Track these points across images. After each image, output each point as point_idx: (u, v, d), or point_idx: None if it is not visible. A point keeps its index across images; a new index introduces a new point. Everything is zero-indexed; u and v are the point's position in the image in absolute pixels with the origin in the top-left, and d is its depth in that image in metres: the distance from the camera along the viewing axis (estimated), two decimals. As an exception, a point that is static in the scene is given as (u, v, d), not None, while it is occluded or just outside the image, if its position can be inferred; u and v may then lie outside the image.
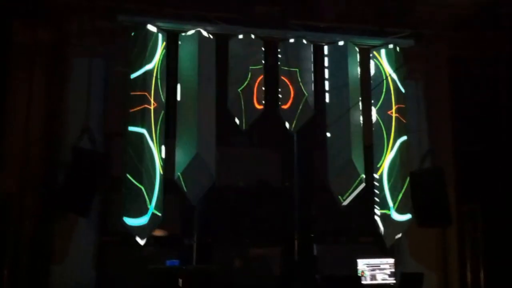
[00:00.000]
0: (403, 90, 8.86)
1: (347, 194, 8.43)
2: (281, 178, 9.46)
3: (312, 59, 8.70)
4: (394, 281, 8.57)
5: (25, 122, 8.29)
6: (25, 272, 7.93)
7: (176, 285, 7.82)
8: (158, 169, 7.96)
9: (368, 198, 8.64)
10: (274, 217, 9.20)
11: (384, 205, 8.53)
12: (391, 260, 8.66)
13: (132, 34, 8.21)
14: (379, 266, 8.63)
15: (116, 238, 8.41)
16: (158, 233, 8.56)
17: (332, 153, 8.55)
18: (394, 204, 8.47)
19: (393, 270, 8.62)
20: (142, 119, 7.96)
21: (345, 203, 8.42)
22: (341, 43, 8.77)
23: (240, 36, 8.47)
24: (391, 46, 8.87)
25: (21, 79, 8.38)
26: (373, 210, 8.59)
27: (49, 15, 8.44)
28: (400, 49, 8.91)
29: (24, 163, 8.16)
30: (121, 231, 7.87)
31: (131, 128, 7.93)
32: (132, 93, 8.08)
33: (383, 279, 8.64)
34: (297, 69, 8.55)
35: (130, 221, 7.73)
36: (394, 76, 8.79)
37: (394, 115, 8.71)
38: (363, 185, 8.48)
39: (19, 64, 8.43)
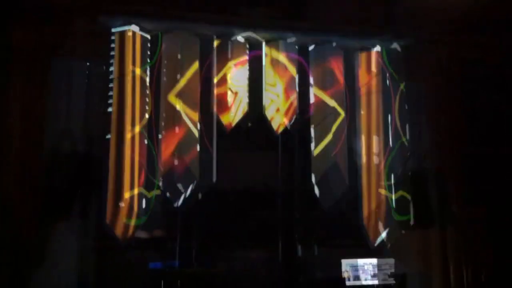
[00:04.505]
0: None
1: (332, 196, 8.49)
2: (265, 180, 9.42)
3: (297, 61, 8.71)
4: (377, 282, 8.67)
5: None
6: (7, 277, 7.73)
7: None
8: (145, 172, 7.89)
9: (353, 200, 8.71)
10: (258, 220, 9.17)
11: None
12: (375, 261, 8.72)
13: (116, 34, 8.11)
14: (363, 267, 8.71)
15: (100, 242, 8.25)
16: (143, 235, 8.45)
17: (317, 156, 8.58)
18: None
19: (376, 271, 8.70)
20: (126, 121, 7.87)
21: (329, 205, 8.48)
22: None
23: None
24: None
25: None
26: (359, 212, 8.65)
27: (28, 16, 8.20)
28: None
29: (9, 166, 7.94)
30: (106, 235, 7.76)
31: (115, 131, 7.84)
32: (114, 95, 7.98)
33: (366, 279, 8.73)
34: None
35: (115, 225, 7.64)
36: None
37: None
38: (346, 187, 8.56)
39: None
